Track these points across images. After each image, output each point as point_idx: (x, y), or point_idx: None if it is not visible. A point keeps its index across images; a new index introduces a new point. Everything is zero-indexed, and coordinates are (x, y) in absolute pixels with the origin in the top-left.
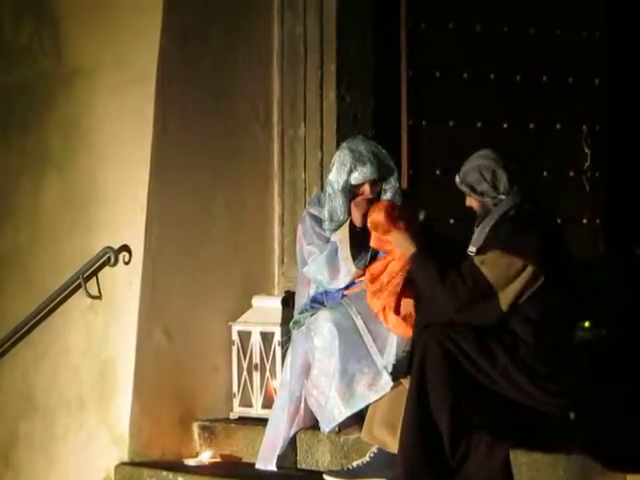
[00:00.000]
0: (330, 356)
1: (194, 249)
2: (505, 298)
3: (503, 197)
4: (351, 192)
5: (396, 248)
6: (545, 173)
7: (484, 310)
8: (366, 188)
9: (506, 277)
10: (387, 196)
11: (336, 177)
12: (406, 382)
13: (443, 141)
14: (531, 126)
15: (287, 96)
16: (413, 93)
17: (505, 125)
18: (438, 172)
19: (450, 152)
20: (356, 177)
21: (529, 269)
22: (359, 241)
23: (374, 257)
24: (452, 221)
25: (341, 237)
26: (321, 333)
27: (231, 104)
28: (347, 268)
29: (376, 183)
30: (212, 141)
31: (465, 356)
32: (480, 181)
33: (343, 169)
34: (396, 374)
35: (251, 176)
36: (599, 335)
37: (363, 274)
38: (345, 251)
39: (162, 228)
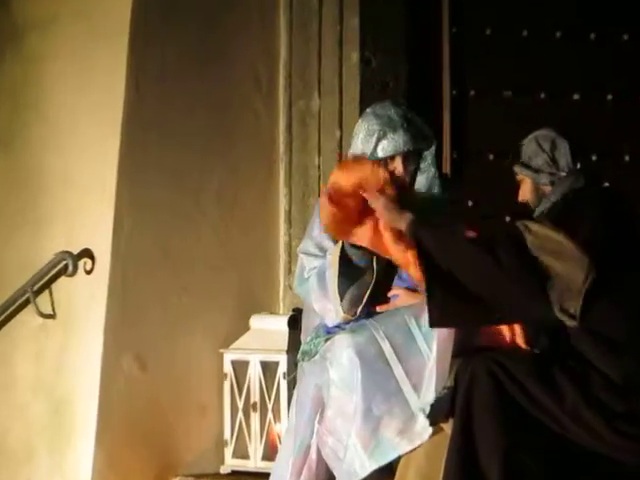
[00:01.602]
0: (350, 393)
1: (177, 254)
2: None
3: (563, 174)
4: None
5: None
6: (627, 157)
7: (529, 289)
8: (398, 163)
9: (549, 254)
10: (422, 177)
11: (358, 151)
12: (447, 427)
13: (497, 116)
14: (609, 97)
15: (296, 59)
16: (458, 55)
17: (576, 96)
18: (491, 156)
19: (506, 130)
20: (385, 147)
21: (569, 252)
22: (352, 270)
23: (375, 297)
24: (509, 219)
25: (332, 259)
26: (339, 363)
27: (225, 69)
28: (335, 307)
29: (409, 158)
30: (201, 115)
31: (523, 391)
32: (536, 153)
33: (369, 139)
34: (435, 417)
35: (250, 160)
36: None
37: (355, 318)
38: (332, 282)
39: (135, 227)
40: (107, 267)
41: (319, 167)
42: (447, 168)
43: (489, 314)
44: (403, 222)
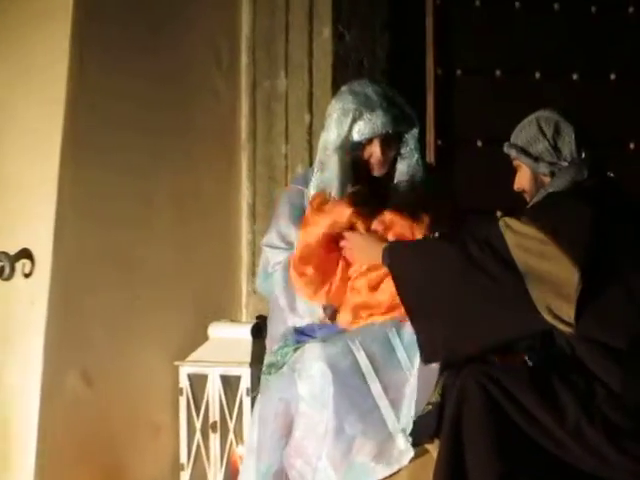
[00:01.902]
0: (321, 409)
1: (126, 255)
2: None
3: (565, 164)
4: (352, 155)
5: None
6: (632, 145)
7: (508, 291)
8: (376, 147)
9: (532, 254)
10: (403, 165)
11: (331, 134)
12: (433, 448)
13: (487, 99)
14: (612, 77)
15: (261, 33)
16: (443, 30)
17: (575, 76)
18: (479, 143)
19: (496, 114)
20: (361, 129)
21: (554, 252)
22: None
23: None
24: (500, 214)
25: None
26: (308, 375)
27: (180, 44)
28: (307, 306)
29: (389, 142)
30: (152, 98)
31: (519, 408)
32: (537, 138)
33: (343, 120)
34: (418, 437)
35: (208, 149)
36: None
37: (333, 318)
38: None
39: (80, 225)
40: (48, 269)
41: (286, 156)
42: (431, 156)
43: (481, 337)
44: (379, 255)
